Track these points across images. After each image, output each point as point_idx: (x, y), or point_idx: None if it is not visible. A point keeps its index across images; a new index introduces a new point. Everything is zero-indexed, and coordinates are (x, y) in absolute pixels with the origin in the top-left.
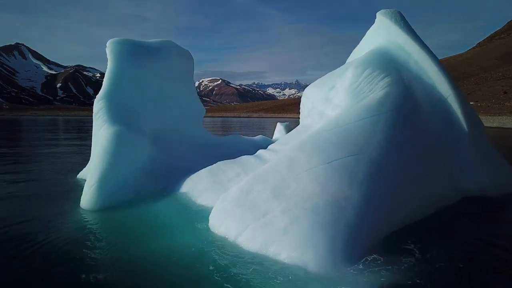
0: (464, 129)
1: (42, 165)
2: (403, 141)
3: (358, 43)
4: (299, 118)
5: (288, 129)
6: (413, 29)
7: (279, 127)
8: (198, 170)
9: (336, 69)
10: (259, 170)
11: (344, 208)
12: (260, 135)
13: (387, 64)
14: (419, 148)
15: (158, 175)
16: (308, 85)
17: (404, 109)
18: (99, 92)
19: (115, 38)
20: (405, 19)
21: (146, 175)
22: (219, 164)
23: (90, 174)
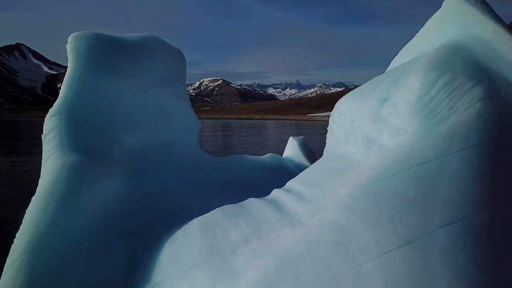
0: None
1: None
2: None
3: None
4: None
5: (303, 146)
6: (499, 16)
7: (292, 143)
8: (187, 215)
9: (386, 72)
10: (284, 247)
11: None
12: (269, 154)
13: (473, 67)
14: None
15: (128, 229)
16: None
17: (507, 139)
18: (54, 104)
19: (79, 32)
20: (487, 2)
21: (110, 230)
22: (217, 214)
23: (18, 238)
